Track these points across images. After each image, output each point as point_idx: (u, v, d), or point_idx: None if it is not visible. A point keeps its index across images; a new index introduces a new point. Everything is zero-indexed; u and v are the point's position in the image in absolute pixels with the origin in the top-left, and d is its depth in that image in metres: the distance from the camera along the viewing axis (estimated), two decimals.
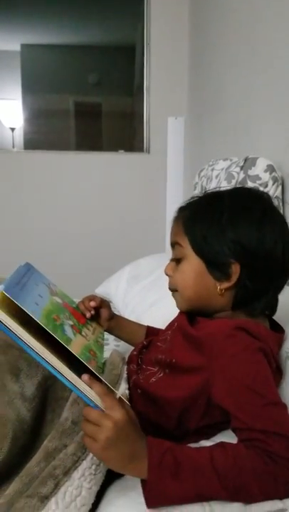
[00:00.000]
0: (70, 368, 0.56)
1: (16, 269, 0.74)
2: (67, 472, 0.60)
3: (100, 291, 1.76)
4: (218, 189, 1.10)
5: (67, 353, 0.58)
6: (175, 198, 2.56)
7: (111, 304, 1.64)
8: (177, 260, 0.78)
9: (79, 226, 2.67)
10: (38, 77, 2.71)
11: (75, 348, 0.73)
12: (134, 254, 1.92)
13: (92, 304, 0.87)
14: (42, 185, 2.63)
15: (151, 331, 0.98)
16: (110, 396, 0.57)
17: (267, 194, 0.75)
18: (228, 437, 0.70)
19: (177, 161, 2.58)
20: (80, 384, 0.56)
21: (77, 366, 0.58)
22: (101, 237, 2.66)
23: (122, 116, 2.81)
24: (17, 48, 2.64)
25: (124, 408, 0.58)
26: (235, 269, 0.71)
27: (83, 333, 0.81)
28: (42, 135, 2.74)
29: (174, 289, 0.80)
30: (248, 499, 0.57)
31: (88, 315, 0.84)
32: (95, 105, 2.80)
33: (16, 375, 0.70)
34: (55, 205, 2.65)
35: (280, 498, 0.58)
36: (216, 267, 0.72)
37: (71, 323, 0.79)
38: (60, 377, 0.56)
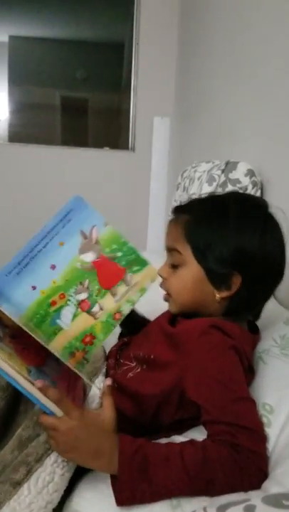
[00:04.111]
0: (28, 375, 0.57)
1: (29, 241, 0.71)
2: (39, 459, 0.61)
3: None
4: (214, 193, 1.08)
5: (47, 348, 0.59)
6: (158, 197, 2.58)
7: None
8: (173, 265, 0.76)
9: None
10: (26, 70, 2.69)
11: (61, 340, 0.72)
12: None
13: None
14: (25, 178, 2.62)
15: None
16: (64, 401, 0.58)
17: (266, 201, 0.75)
18: (199, 433, 0.71)
19: (161, 161, 2.60)
20: (36, 392, 0.57)
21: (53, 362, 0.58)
22: None
23: (108, 113, 2.81)
24: (5, 39, 2.62)
25: (80, 410, 0.60)
26: (236, 281, 0.71)
27: (99, 304, 0.73)
28: (27, 128, 2.72)
29: (167, 292, 0.78)
30: (215, 492, 0.58)
31: None
32: (81, 101, 2.80)
33: None
34: (37, 199, 2.63)
35: (245, 491, 0.59)
36: (216, 276, 0.71)
37: (83, 297, 0.72)
38: (16, 385, 0.57)
